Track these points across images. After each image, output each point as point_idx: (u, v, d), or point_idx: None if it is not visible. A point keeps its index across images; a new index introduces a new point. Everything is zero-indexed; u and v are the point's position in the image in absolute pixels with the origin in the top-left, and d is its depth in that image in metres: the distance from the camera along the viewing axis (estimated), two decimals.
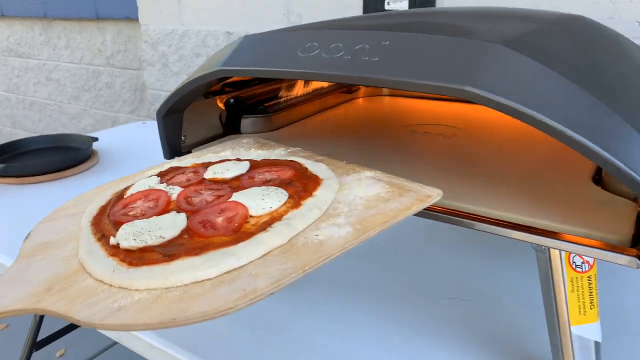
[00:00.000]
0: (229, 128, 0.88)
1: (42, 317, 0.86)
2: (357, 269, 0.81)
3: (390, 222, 0.47)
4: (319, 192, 0.53)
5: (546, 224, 0.52)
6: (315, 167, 0.60)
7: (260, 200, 0.51)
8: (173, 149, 0.80)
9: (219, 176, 0.60)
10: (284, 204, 0.51)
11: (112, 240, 0.48)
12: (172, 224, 0.49)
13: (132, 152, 1.25)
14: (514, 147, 0.75)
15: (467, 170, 0.66)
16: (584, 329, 0.53)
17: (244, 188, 0.56)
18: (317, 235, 0.47)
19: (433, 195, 0.51)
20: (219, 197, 0.54)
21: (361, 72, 0.56)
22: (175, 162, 0.69)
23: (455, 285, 0.76)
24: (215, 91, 0.86)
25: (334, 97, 1.06)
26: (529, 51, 0.51)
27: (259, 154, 0.68)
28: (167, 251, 0.45)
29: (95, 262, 0.46)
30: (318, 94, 1.02)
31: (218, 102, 0.86)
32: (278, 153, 0.68)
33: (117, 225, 0.52)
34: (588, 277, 0.53)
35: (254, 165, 0.62)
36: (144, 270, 0.44)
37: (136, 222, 0.51)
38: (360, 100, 1.12)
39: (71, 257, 0.50)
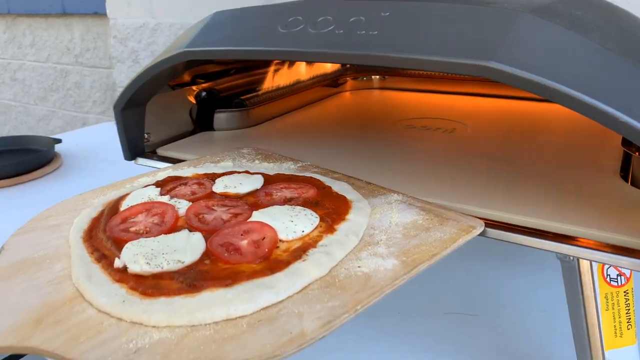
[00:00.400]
0: (201, 124, 0.80)
1: None
2: None
3: (439, 255, 0.42)
4: (351, 216, 0.47)
5: (573, 230, 0.45)
6: (338, 185, 0.54)
7: (289, 222, 0.45)
8: (134, 148, 0.71)
9: (231, 191, 0.53)
10: (316, 227, 0.45)
11: (117, 263, 0.41)
12: (188, 245, 0.42)
13: (100, 155, 1.15)
14: (524, 140, 0.71)
15: (474, 167, 0.60)
16: (620, 354, 0.47)
17: (263, 206, 0.49)
18: (359, 266, 0.41)
19: (476, 226, 0.47)
20: (235, 215, 0.48)
21: (357, 48, 0.48)
22: (171, 170, 0.62)
23: (458, 297, 0.69)
24: (185, 83, 0.79)
25: (318, 90, 1.00)
26: (562, 21, 0.45)
27: (267, 167, 0.61)
28: (190, 280, 0.38)
29: (98, 289, 0.39)
30: (301, 87, 0.95)
31: (188, 95, 0.79)
32: (288, 167, 0.62)
33: (118, 242, 0.45)
34: (625, 292, 0.46)
35: (268, 179, 0.56)
36: (163, 302, 0.37)
37: (143, 240, 0.44)
38: (347, 94, 1.06)
39: (62, 279, 0.42)
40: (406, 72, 1.07)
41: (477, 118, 0.84)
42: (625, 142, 0.63)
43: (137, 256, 0.41)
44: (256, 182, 0.54)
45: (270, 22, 0.55)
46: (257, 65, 0.90)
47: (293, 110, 0.91)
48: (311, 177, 0.56)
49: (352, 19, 0.50)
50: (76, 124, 1.93)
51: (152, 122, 0.72)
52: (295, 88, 0.94)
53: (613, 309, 0.46)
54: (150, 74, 0.63)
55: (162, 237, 0.44)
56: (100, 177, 0.73)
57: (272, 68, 0.91)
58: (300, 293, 0.38)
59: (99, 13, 1.67)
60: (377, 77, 1.11)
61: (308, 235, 0.44)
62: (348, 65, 1.11)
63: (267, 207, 0.49)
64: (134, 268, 0.40)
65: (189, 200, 0.51)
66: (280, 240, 0.43)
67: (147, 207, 0.50)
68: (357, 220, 0.47)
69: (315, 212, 0.47)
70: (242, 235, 0.44)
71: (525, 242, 0.45)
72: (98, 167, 1.09)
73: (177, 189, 0.54)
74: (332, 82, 1.05)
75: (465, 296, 0.68)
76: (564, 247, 0.44)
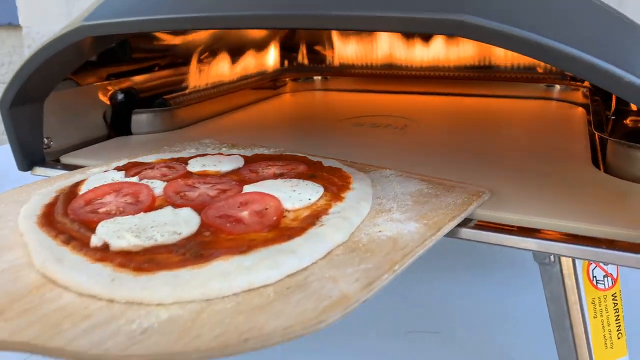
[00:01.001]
0: (116, 128, 0.68)
1: None
2: None
3: (459, 217, 0.39)
4: (356, 185, 0.43)
5: (552, 223, 0.38)
6: (328, 162, 0.50)
7: (291, 192, 0.40)
8: (30, 155, 0.58)
9: (211, 169, 0.47)
10: (322, 196, 0.40)
11: (95, 241, 0.33)
12: (179, 220, 0.36)
13: (7, 176, 1.02)
14: (485, 132, 0.67)
15: (433, 162, 0.55)
16: None
17: (252, 181, 0.44)
18: (380, 231, 0.36)
19: (485, 191, 0.44)
20: (223, 191, 0.42)
21: (297, 8, 0.40)
22: (126, 159, 0.54)
23: (420, 314, 0.62)
24: (99, 80, 0.68)
25: (254, 92, 0.93)
26: None
27: (239, 152, 0.56)
28: (195, 250, 0.32)
29: (74, 270, 0.31)
30: (235, 86, 0.88)
31: (101, 95, 0.67)
32: (261, 152, 0.56)
33: (87, 224, 0.37)
34: (613, 295, 0.41)
35: (248, 160, 0.50)
36: (165, 276, 0.30)
37: (120, 219, 0.36)
38: (287, 96, 1.01)
39: (20, 268, 0.34)
40: (350, 71, 1.04)
41: (428, 115, 0.81)
42: (598, 127, 0.60)
43: (119, 232, 0.34)
44: (236, 162, 0.49)
45: None
46: (183, 61, 0.80)
47: (226, 112, 0.84)
48: (295, 155, 0.51)
49: None
50: None
51: (54, 125, 0.59)
52: (229, 88, 0.87)
53: (601, 315, 0.41)
54: (41, 59, 0.50)
55: (143, 215, 0.37)
56: None
57: (200, 64, 0.83)
58: (324, 259, 0.33)
59: (14, 24, 1.52)
60: (319, 77, 1.07)
61: (315, 204, 0.39)
62: (286, 65, 1.06)
63: (256, 182, 0.43)
64: (119, 243, 0.33)
65: (165, 181, 0.44)
66: (286, 210, 0.38)
67: (116, 188, 0.42)
68: (363, 188, 0.42)
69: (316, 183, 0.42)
70: (239, 207, 0.38)
71: (500, 241, 0.38)
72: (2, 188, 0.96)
73: (144, 172, 0.47)
74: (270, 83, 1.00)
75: (427, 312, 0.61)
76: (543, 244, 0.37)
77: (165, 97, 0.74)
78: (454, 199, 0.42)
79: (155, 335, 0.26)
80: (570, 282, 0.40)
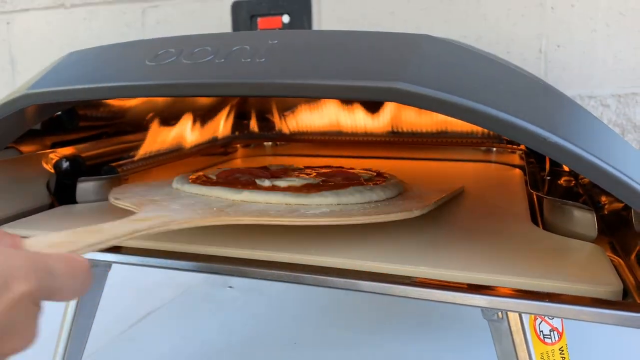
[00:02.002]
0: (61, 197, 0.67)
1: None
2: None
3: (453, 190, 0.64)
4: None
5: (498, 280, 0.40)
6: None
7: (357, 173, 0.64)
8: None
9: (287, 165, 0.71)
10: (376, 176, 0.65)
11: (266, 183, 0.56)
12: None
13: None
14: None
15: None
16: None
17: None
18: (412, 194, 0.60)
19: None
20: (308, 174, 0.65)
21: (242, 77, 0.42)
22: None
23: None
24: (43, 148, 0.67)
25: (205, 158, 0.94)
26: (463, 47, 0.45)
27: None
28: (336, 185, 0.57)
29: (260, 194, 0.52)
30: (185, 153, 0.87)
31: (45, 163, 0.67)
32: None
33: (238, 182, 0.58)
34: (560, 349, 0.43)
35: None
36: (327, 193, 0.52)
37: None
38: (238, 162, 1.01)
39: (204, 199, 0.53)
40: (300, 137, 1.07)
41: None
42: (534, 187, 0.64)
43: (278, 181, 0.56)
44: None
45: (136, 57, 0.49)
46: (132, 129, 0.80)
47: None
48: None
49: (235, 48, 0.45)
50: None
51: None
52: (179, 154, 0.86)
53: None
54: None
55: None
56: None
57: (150, 131, 0.81)
58: (392, 198, 0.56)
59: None
60: (270, 143, 1.09)
61: (374, 179, 0.63)
62: (237, 133, 1.07)
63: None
64: (287, 182, 0.56)
65: None
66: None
67: (240, 171, 0.64)
68: (392, 178, 0.66)
69: None
70: (332, 176, 0.62)
71: (449, 299, 0.39)
72: None
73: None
74: (220, 149, 1.01)
75: None
76: (493, 300, 0.38)
77: (112, 164, 0.72)
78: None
79: (330, 213, 0.49)
80: (518, 337, 0.41)
